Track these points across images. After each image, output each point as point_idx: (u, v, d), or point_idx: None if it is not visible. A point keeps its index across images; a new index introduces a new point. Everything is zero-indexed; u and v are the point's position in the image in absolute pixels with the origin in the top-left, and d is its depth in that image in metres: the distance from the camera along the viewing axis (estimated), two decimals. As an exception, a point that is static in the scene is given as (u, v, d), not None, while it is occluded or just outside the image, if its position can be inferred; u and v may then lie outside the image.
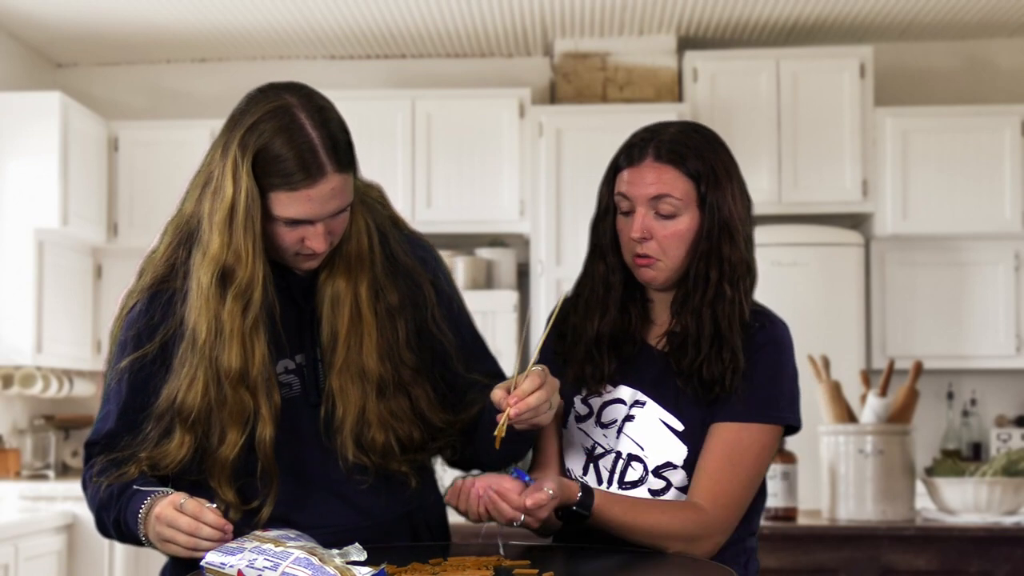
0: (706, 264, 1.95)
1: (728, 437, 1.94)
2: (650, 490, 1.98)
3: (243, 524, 1.86)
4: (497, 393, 1.80)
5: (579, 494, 1.85)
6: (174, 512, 1.77)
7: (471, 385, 2.00)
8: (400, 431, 1.91)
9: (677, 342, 1.98)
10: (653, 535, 1.90)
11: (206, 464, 1.88)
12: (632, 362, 2.02)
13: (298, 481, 1.93)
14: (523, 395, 1.77)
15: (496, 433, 1.77)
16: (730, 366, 1.94)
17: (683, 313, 1.98)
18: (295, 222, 1.81)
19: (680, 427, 1.97)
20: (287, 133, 1.77)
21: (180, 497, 1.79)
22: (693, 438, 1.96)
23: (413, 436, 1.92)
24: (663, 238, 1.95)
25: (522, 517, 1.80)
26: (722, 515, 1.92)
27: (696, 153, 1.96)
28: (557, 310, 1.94)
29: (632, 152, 1.99)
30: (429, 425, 1.94)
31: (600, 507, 1.87)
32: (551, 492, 1.80)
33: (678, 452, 1.96)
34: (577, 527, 1.92)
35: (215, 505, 1.79)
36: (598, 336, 2.00)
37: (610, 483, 2.00)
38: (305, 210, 1.79)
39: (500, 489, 1.79)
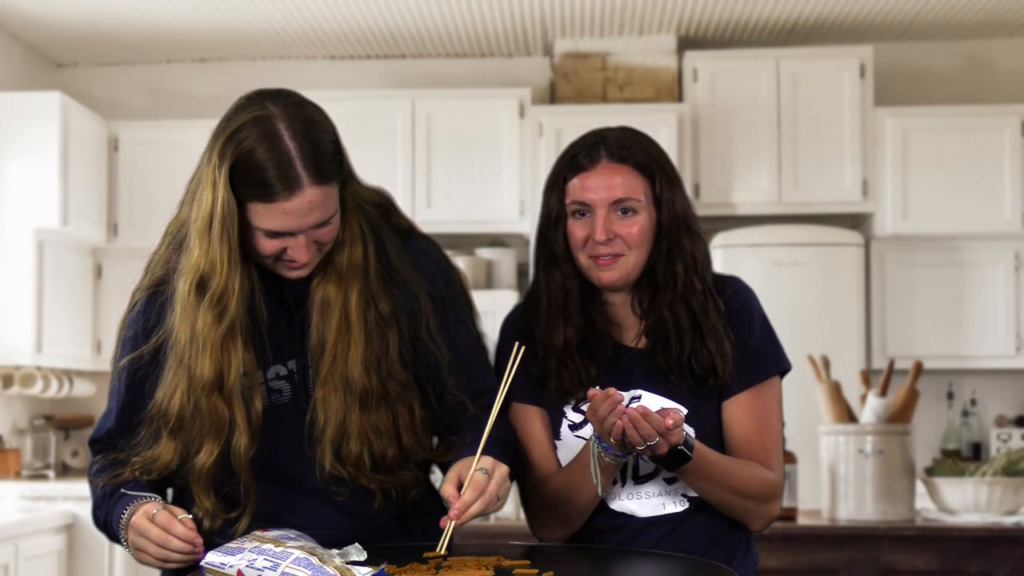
0: (670, 260, 1.99)
1: (749, 404, 1.99)
2: (664, 479, 1.99)
3: (223, 532, 1.86)
4: (447, 489, 1.80)
5: (685, 435, 1.86)
6: (146, 522, 1.77)
7: (457, 406, 1.97)
8: (376, 446, 1.88)
9: (660, 339, 1.99)
10: (736, 490, 1.94)
11: (187, 471, 1.87)
12: (612, 365, 2.03)
13: (287, 487, 1.92)
14: (465, 507, 1.76)
15: (438, 550, 1.77)
16: (718, 353, 1.97)
17: (654, 311, 2.00)
18: (275, 234, 1.80)
19: (683, 411, 1.97)
20: (265, 144, 1.75)
21: (154, 507, 1.79)
22: (698, 419, 1.98)
23: (387, 454, 1.89)
24: (626, 236, 1.96)
25: (657, 438, 1.80)
26: (781, 475, 2.01)
27: (645, 151, 2.00)
28: (514, 363, 1.91)
29: (581, 159, 2.00)
30: (402, 446, 1.91)
31: (700, 450, 1.89)
32: (682, 415, 1.82)
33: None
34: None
35: (190, 516, 1.78)
36: (566, 343, 2.01)
37: (624, 481, 2.01)
38: (282, 223, 1.77)
39: (643, 410, 1.80)
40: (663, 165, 2.00)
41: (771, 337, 2.04)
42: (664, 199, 1.98)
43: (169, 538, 1.75)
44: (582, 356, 2.01)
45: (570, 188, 2.00)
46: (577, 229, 1.99)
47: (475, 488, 1.77)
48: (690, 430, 1.96)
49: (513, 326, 2.09)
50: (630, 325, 2.04)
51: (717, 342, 1.97)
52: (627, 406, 1.98)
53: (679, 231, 1.99)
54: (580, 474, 1.93)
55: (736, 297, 2.03)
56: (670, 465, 1.88)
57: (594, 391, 1.81)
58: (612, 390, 1.81)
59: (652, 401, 1.99)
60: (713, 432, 1.99)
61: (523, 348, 1.90)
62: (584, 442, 1.96)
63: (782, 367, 2.03)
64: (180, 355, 1.83)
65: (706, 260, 2.02)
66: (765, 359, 2.01)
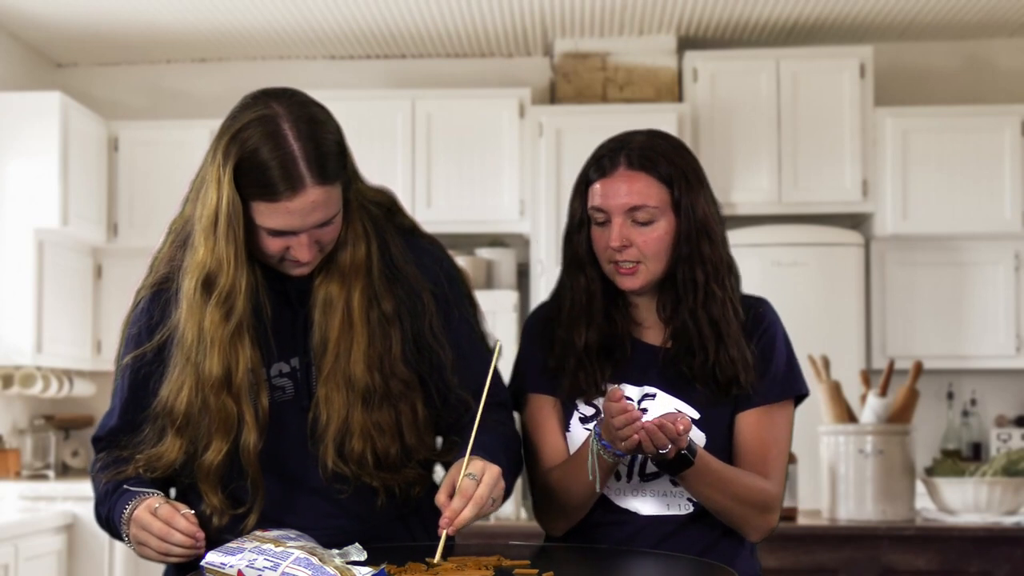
0: (690, 267, 1.99)
1: (759, 420, 2.00)
2: (670, 479, 1.99)
3: (231, 529, 1.87)
4: (440, 497, 1.79)
5: (688, 440, 1.86)
6: (148, 516, 1.78)
7: (460, 405, 1.97)
8: (379, 444, 1.88)
9: (683, 345, 2.00)
10: (736, 497, 1.95)
11: (194, 468, 1.88)
12: (630, 363, 2.04)
13: (289, 484, 1.92)
14: (455, 514, 1.75)
15: (436, 559, 1.76)
16: (740, 362, 1.98)
17: (676, 317, 2.00)
18: (278, 232, 1.80)
19: (696, 415, 1.99)
20: (269, 143, 1.75)
21: (156, 501, 1.80)
22: (710, 426, 1.99)
23: (390, 452, 1.89)
24: (642, 244, 1.97)
25: (669, 446, 1.81)
26: (781, 489, 2.02)
27: (667, 158, 1.99)
28: (496, 359, 1.91)
29: (603, 163, 2.01)
30: (405, 444, 1.92)
31: (702, 456, 1.89)
32: (689, 420, 1.83)
33: (697, 440, 1.97)
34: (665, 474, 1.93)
35: (193, 512, 1.79)
36: (587, 346, 2.02)
37: (630, 477, 2.01)
38: (285, 222, 1.78)
39: (659, 421, 1.80)
40: (684, 171, 1.99)
41: (792, 361, 2.05)
42: (684, 205, 1.98)
43: (171, 532, 1.76)
44: (600, 357, 2.02)
45: (591, 193, 2.02)
46: (599, 237, 2.01)
47: (463, 495, 1.77)
48: (700, 435, 1.97)
49: (536, 325, 2.11)
50: (653, 325, 2.06)
51: (739, 350, 1.98)
52: (639, 402, 2.00)
53: (699, 238, 1.99)
54: (579, 467, 1.94)
55: (761, 318, 2.04)
56: (673, 469, 1.88)
57: (618, 391, 1.82)
58: (631, 405, 1.81)
59: (665, 401, 2.00)
60: (724, 439, 2.00)
61: (498, 352, 1.91)
62: None
63: (798, 391, 2.05)
64: (187, 353, 1.83)
65: (728, 267, 2.02)
66: (783, 381, 2.02)
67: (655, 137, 2.03)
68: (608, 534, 2.02)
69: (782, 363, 2.03)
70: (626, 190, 1.97)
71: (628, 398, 2.00)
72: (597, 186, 2.00)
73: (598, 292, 2.04)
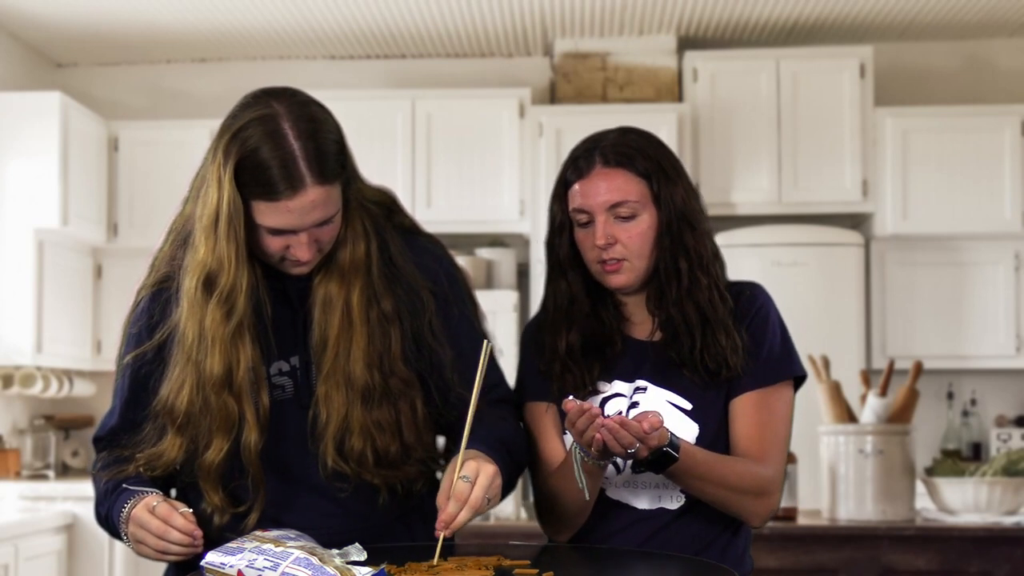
0: (673, 257, 1.99)
1: (756, 403, 1.99)
2: None
3: (231, 527, 1.87)
4: (439, 498, 1.78)
5: (669, 436, 1.85)
6: (146, 514, 1.79)
7: (460, 403, 1.95)
8: (379, 442, 1.88)
9: (671, 334, 2.00)
10: (729, 486, 1.93)
11: (195, 467, 1.88)
12: (620, 359, 2.04)
13: (288, 483, 1.93)
14: (450, 518, 1.75)
15: (433, 561, 1.75)
16: (729, 346, 1.97)
17: (663, 308, 2.01)
18: (277, 231, 1.80)
19: (688, 406, 1.99)
20: (269, 143, 1.75)
21: (154, 500, 1.80)
22: (703, 416, 1.99)
23: (389, 450, 1.89)
24: (627, 240, 1.98)
25: (637, 444, 1.79)
26: (778, 472, 1.99)
27: (641, 152, 2.00)
28: (484, 355, 1.89)
29: (579, 164, 2.02)
30: (404, 442, 1.92)
31: (687, 450, 1.87)
32: (661, 418, 1.80)
33: (689, 431, 1.98)
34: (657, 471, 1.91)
35: (191, 510, 1.79)
36: (569, 348, 2.03)
37: (621, 469, 2.01)
38: (285, 221, 1.78)
39: (620, 419, 1.79)
40: (660, 163, 2.00)
41: (786, 343, 2.04)
42: (663, 197, 1.99)
43: (168, 530, 1.76)
44: (586, 357, 2.03)
45: (571, 195, 2.02)
46: (583, 238, 2.02)
47: (457, 499, 1.76)
48: (693, 425, 1.96)
49: (530, 333, 2.12)
50: (642, 320, 2.06)
51: (727, 335, 1.98)
52: (631, 396, 2.00)
53: (680, 227, 1.99)
54: (569, 474, 1.94)
55: (752, 300, 2.04)
56: (657, 468, 1.87)
57: (570, 403, 1.81)
58: (588, 404, 1.81)
59: (656, 394, 2.00)
60: (718, 427, 2.00)
61: (490, 346, 1.90)
62: None
63: (795, 373, 2.03)
64: (188, 351, 1.84)
65: (711, 255, 2.02)
66: (778, 363, 2.01)
67: (627, 133, 2.04)
68: (602, 529, 2.02)
69: (776, 345, 2.01)
70: (605, 187, 1.97)
71: (620, 394, 2.02)
72: (576, 187, 2.00)
73: (580, 295, 2.04)
